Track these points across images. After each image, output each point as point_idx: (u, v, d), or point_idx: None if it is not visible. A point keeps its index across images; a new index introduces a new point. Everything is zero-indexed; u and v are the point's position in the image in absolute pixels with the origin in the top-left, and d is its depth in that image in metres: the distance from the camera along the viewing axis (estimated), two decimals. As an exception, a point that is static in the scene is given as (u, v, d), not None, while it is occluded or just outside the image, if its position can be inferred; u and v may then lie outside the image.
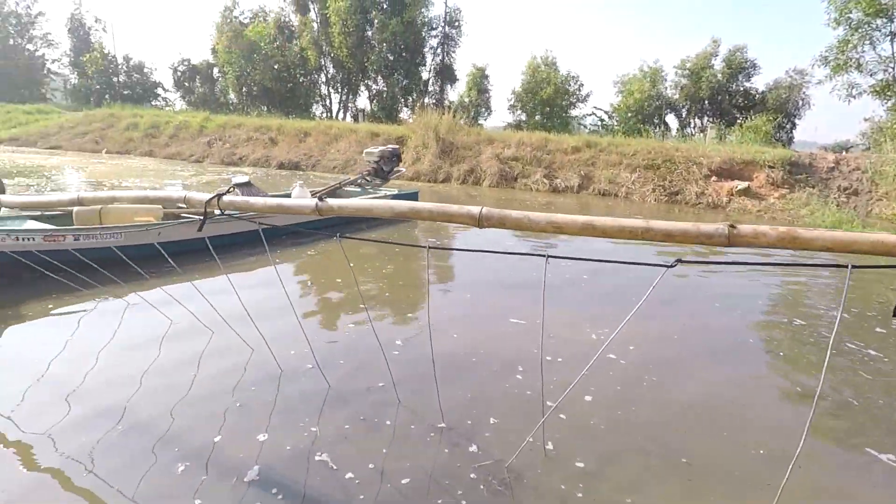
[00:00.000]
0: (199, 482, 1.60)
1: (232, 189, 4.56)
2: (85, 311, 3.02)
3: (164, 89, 31.86)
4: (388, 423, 1.96)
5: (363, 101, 26.49)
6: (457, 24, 23.53)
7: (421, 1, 22.25)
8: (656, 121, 20.45)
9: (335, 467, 1.69)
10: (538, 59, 22.29)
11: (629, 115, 19.86)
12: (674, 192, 9.87)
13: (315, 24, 23.99)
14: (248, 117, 16.43)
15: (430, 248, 1.68)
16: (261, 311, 2.91)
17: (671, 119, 21.20)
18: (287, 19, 25.01)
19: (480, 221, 1.46)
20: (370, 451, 1.78)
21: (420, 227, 6.12)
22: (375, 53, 23.40)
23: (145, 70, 31.45)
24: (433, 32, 23.49)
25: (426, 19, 22.95)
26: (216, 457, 1.72)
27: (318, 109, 27.09)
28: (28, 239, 3.35)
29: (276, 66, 24.37)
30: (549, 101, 21.47)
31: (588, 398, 2.20)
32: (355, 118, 25.29)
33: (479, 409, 2.08)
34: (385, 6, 22.84)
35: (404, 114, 23.86)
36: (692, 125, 21.23)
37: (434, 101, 24.94)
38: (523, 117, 22.51)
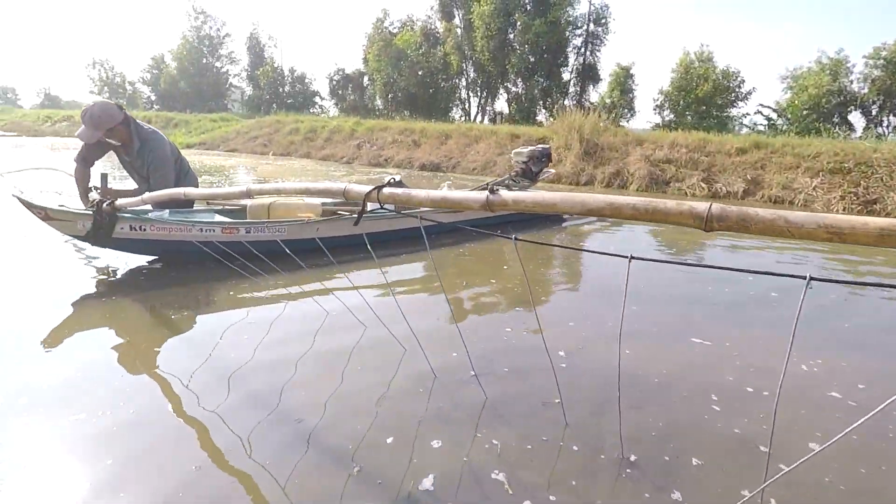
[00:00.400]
0: (368, 482, 1.49)
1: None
2: (252, 298, 3.21)
3: (320, 97, 35.03)
4: (560, 447, 1.70)
5: (501, 104, 26.56)
6: (603, 21, 22.47)
7: (566, 0, 21.61)
8: (835, 119, 17.56)
9: (512, 492, 1.48)
10: (691, 54, 20.42)
11: (804, 112, 17.27)
12: (870, 201, 8.27)
13: (458, 30, 24.50)
14: (394, 121, 17.24)
15: (632, 258, 1.39)
16: (415, 309, 2.85)
17: (855, 117, 18.05)
18: (433, 26, 25.91)
19: (709, 222, 1.14)
20: (549, 479, 1.54)
21: (569, 227, 5.77)
22: (516, 56, 23.26)
23: (306, 80, 34.82)
24: (577, 31, 22.68)
25: (571, 18, 22.22)
26: (375, 456, 1.61)
27: (457, 113, 27.72)
28: (210, 230, 3.66)
29: (420, 73, 25.41)
30: (704, 99, 19.53)
31: (813, 445, 1.74)
32: (493, 121, 25.40)
33: (675, 444, 1.73)
34: (528, 7, 22.60)
35: (541, 116, 23.41)
36: (886, 123, 17.88)
37: (574, 102, 24.13)
38: (671, 117, 20.80)
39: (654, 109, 21.50)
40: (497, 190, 1.65)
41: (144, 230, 3.49)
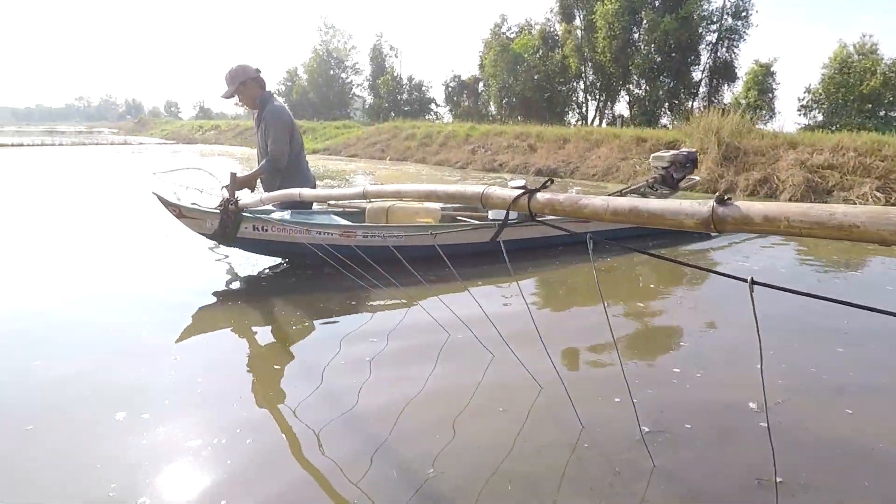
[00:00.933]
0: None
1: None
2: (369, 307, 3.02)
3: (436, 104, 35.74)
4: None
5: (620, 107, 25.13)
6: (744, 14, 20.31)
7: (703, -8, 19.86)
8: None
9: None
10: (849, 47, 17.75)
11: None
12: None
13: (579, 31, 23.57)
14: (509, 126, 16.90)
15: (753, 282, 0.90)
16: (555, 337, 2.45)
17: None
18: (552, 29, 25.23)
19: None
20: None
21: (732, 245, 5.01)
22: (641, 55, 21.84)
23: (423, 88, 35.73)
24: (712, 27, 20.72)
25: (705, 13, 20.37)
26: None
27: (573, 117, 26.73)
28: (327, 233, 3.57)
29: (536, 77, 24.85)
30: (870, 96, 16.87)
31: None
32: (611, 124, 24.08)
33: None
34: (657, 4, 21.12)
35: (665, 119, 21.73)
36: None
37: (704, 103, 22.10)
38: (819, 117, 18.24)
39: (799, 110, 19.02)
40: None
41: (266, 231, 3.48)
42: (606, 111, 25.26)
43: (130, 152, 19.68)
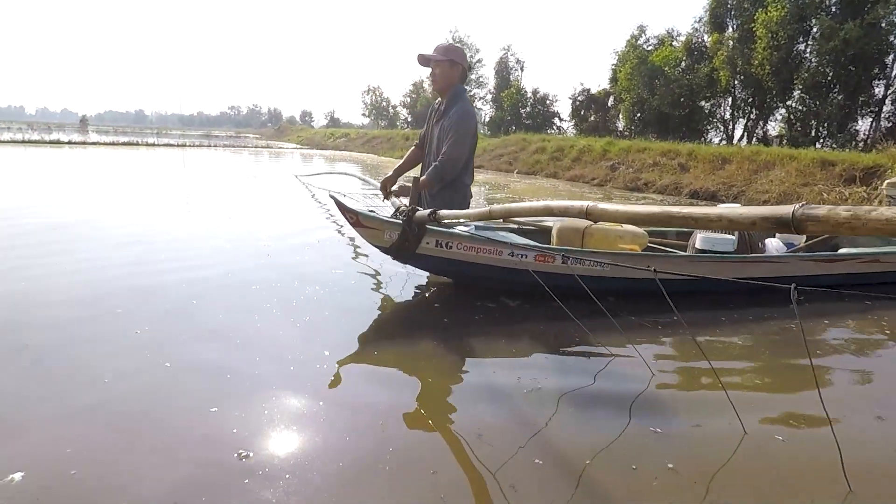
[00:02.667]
0: None
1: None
2: (569, 347, 2.38)
3: (559, 118, 34.69)
4: None
5: (773, 125, 22.36)
6: (950, 19, 17.03)
7: (895, -4, 17.00)
8: None
9: None
10: None
11: None
12: None
13: (731, 42, 21.36)
14: (654, 142, 15.53)
15: None
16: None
17: None
18: (699, 40, 23.24)
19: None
20: None
21: None
22: (807, 68, 19.23)
23: (547, 101, 34.86)
24: (908, 34, 17.63)
25: (900, 18, 17.38)
26: None
27: (715, 135, 24.36)
28: (522, 255, 2.98)
29: (676, 91, 22.93)
30: None
31: None
32: (763, 143, 21.48)
33: None
34: (834, 10, 18.47)
35: (821, 140, 18.86)
36: None
37: (888, 124, 18.93)
38: None
39: None
40: None
41: (450, 247, 2.97)
42: (757, 129, 22.63)
43: (274, 155, 21.11)
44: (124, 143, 22.44)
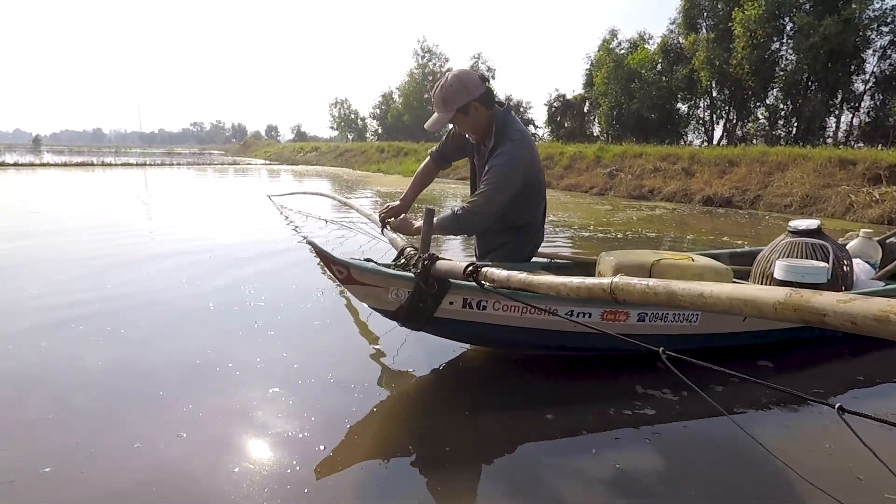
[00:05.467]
0: None
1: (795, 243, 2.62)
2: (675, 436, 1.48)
3: (535, 125, 34.25)
4: None
5: (754, 124, 22.26)
6: (925, 13, 17.13)
7: (873, -10, 17.03)
8: None
9: None
10: None
11: None
12: None
13: (708, 43, 21.17)
14: (650, 146, 14.96)
15: None
16: None
17: None
18: (675, 42, 23.06)
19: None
20: None
21: None
22: (785, 67, 19.20)
23: (521, 108, 34.42)
24: (884, 29, 17.67)
25: (877, 12, 17.41)
26: None
27: (696, 137, 24.21)
28: (584, 314, 2.07)
29: (654, 93, 22.65)
30: None
31: None
32: (741, 143, 21.36)
33: None
34: (808, 7, 18.43)
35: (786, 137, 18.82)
36: None
37: (867, 119, 19.01)
38: None
39: None
40: None
41: (484, 308, 2.02)
42: (737, 130, 22.52)
43: (241, 171, 19.81)
44: (78, 164, 20.77)
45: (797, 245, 2.58)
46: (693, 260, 2.27)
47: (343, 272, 1.91)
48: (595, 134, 27.73)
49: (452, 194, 11.83)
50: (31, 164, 19.37)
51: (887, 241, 3.40)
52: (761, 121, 21.53)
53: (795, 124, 19.74)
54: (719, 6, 21.18)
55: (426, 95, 40.09)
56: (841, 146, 16.10)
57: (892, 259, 3.17)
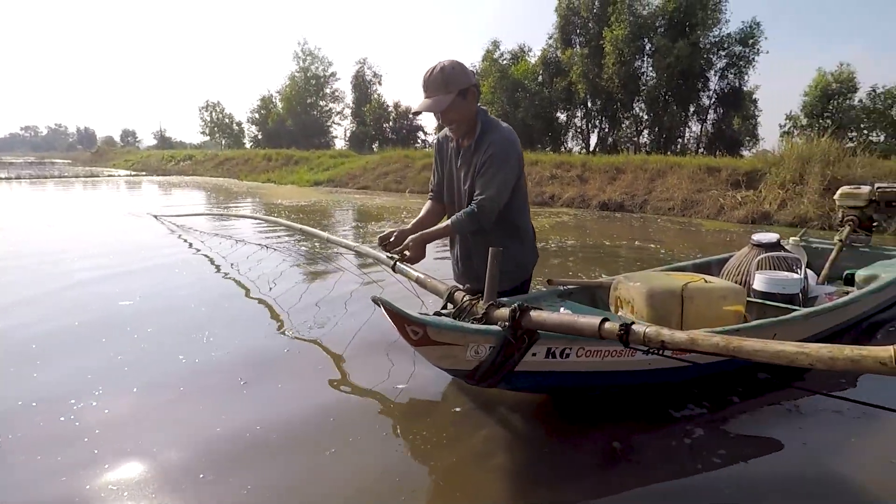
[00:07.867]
0: None
1: (766, 256, 3.04)
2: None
3: (424, 133, 34.74)
4: None
5: (624, 133, 24.69)
6: (751, 42, 20.23)
7: (712, 18, 19.73)
8: None
9: None
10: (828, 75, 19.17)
11: None
12: None
13: (582, 58, 23.06)
14: (544, 153, 15.84)
15: None
16: None
17: None
18: (553, 55, 24.75)
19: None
20: None
21: None
22: (647, 82, 21.59)
23: (410, 115, 34.69)
24: (722, 53, 20.60)
25: (716, 39, 20.25)
26: None
27: (576, 145, 26.20)
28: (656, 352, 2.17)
29: (537, 103, 24.15)
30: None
31: None
32: (615, 151, 23.60)
33: None
34: (662, 30, 20.87)
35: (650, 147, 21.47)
36: None
37: (713, 130, 22.04)
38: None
39: (781, 137, 19.60)
40: None
41: (567, 356, 1.94)
42: (609, 138, 24.79)
43: (113, 186, 17.57)
44: None
45: (770, 259, 2.90)
46: (715, 283, 2.45)
47: (419, 331, 1.63)
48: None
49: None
50: None
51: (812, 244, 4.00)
52: (627, 130, 23.99)
53: (657, 133, 22.28)
54: (590, 25, 23.20)
55: (310, 100, 38.72)
56: (694, 154, 18.47)
57: (813, 260, 3.70)
